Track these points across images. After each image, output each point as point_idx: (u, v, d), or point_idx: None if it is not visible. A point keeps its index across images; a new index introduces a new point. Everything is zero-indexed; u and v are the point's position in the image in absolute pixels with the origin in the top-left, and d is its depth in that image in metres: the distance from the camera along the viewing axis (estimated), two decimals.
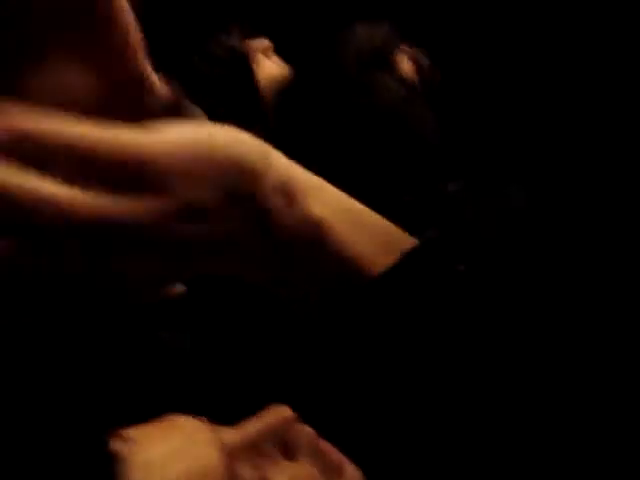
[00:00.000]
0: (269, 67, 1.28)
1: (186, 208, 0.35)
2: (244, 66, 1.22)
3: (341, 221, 0.37)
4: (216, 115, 0.97)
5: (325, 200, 0.38)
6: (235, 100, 1.12)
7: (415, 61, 1.24)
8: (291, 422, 0.62)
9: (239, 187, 0.36)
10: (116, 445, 0.55)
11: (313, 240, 0.37)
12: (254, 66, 1.25)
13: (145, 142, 0.35)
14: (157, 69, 0.41)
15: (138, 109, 0.39)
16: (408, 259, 0.37)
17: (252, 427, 0.61)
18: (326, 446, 0.62)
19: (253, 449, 0.59)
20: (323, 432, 0.63)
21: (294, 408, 0.63)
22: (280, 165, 0.38)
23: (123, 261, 0.35)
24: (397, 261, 0.37)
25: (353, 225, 0.38)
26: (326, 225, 0.37)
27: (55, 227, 0.33)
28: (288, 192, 0.37)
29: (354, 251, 0.37)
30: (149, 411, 0.62)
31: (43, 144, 0.33)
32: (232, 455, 0.57)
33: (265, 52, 1.32)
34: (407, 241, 0.39)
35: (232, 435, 0.59)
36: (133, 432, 0.57)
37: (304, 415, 0.63)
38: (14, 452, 0.54)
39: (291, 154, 0.39)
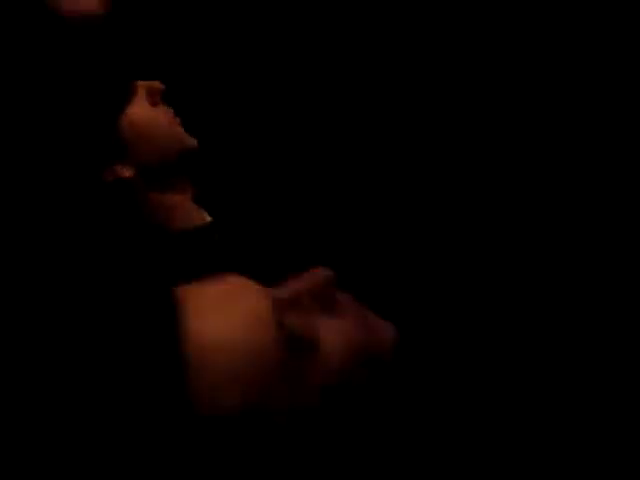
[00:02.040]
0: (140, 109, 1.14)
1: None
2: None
3: None
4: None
5: None
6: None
7: None
8: (331, 282, 0.67)
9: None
10: (176, 292, 0.60)
11: None
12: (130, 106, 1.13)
13: None
14: None
15: None
16: None
17: (295, 284, 0.65)
18: (362, 307, 0.69)
19: (297, 303, 0.64)
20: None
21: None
22: None
23: None
24: None
25: None
26: None
27: None
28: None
29: None
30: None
31: None
32: (279, 306, 0.62)
33: (152, 94, 1.18)
34: None
35: (277, 290, 0.64)
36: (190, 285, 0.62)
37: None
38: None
39: None
